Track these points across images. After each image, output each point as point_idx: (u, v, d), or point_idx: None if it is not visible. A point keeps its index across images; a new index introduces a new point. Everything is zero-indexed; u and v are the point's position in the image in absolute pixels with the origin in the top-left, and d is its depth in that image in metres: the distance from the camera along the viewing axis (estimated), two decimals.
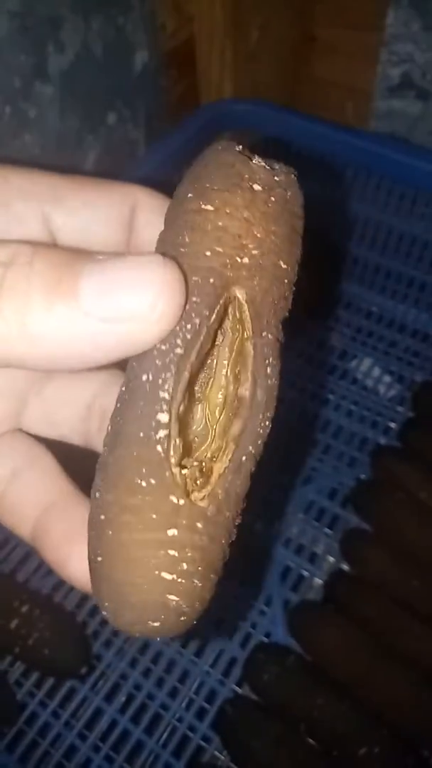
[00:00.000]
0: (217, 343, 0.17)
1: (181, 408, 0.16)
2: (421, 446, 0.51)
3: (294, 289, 0.17)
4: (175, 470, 0.16)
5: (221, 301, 0.16)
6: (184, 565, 0.16)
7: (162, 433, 0.16)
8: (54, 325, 0.13)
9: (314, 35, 0.64)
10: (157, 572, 0.16)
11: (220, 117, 0.58)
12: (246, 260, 0.16)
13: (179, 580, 0.16)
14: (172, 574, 0.16)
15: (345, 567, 0.47)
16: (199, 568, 0.17)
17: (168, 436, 0.16)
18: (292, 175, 0.17)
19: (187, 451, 0.17)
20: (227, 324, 0.17)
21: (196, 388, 0.17)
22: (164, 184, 0.60)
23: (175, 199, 0.17)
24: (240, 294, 0.16)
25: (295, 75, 0.67)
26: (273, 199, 0.16)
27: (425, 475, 0.48)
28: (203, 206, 0.16)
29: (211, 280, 0.15)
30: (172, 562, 0.16)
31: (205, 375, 0.17)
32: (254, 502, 0.45)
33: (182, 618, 0.17)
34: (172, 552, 0.16)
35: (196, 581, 0.17)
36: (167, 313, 0.14)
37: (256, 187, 0.16)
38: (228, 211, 0.16)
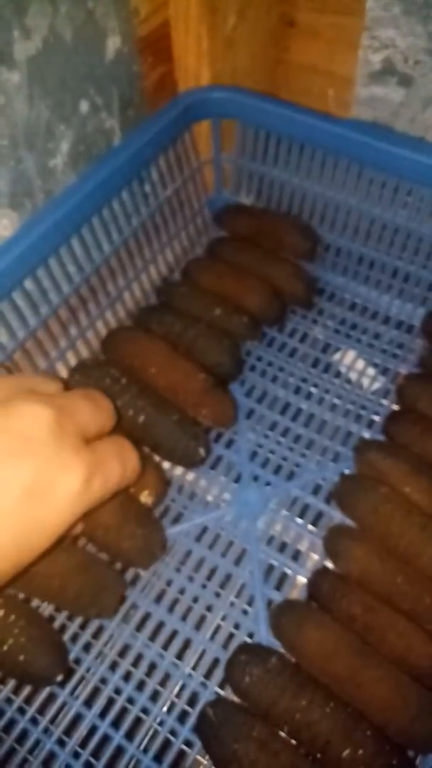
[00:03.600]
0: None
1: None
2: (405, 439, 0.50)
3: None
4: None
5: None
6: None
7: None
8: None
9: (294, 20, 0.63)
10: None
11: (198, 104, 0.57)
12: None
13: None
14: None
15: (329, 564, 0.46)
16: None
17: None
18: None
19: None
20: None
21: None
22: (140, 174, 0.58)
23: None
24: None
25: (274, 61, 0.65)
26: None
27: (409, 469, 0.47)
28: None
29: None
30: None
31: None
32: (237, 500, 0.44)
33: None
34: None
35: None
36: None
37: None
38: None
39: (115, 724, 0.41)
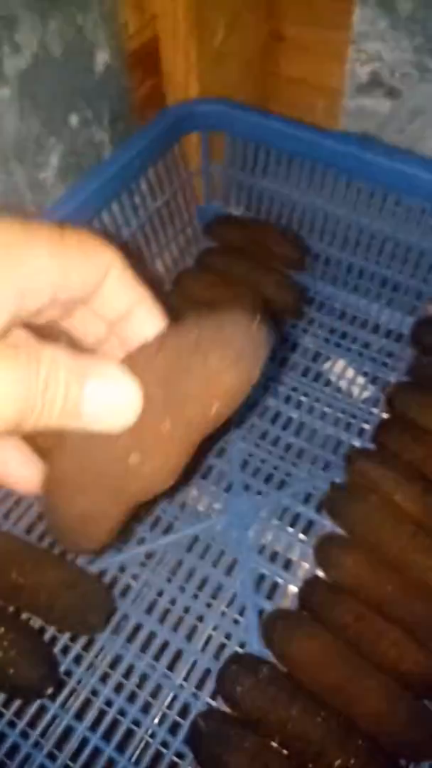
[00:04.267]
0: None
1: None
2: (395, 448, 0.50)
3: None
4: None
5: None
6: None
7: None
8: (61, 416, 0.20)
9: (282, 34, 0.63)
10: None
11: (187, 117, 0.57)
12: None
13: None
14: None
15: (320, 573, 0.46)
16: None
17: None
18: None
19: None
20: None
21: None
22: (129, 186, 0.59)
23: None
24: None
25: (263, 74, 0.66)
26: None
27: (399, 477, 0.47)
28: None
29: None
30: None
31: None
32: (228, 510, 0.44)
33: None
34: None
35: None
36: (129, 420, 0.21)
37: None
38: None
39: (107, 736, 0.41)
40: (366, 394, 0.56)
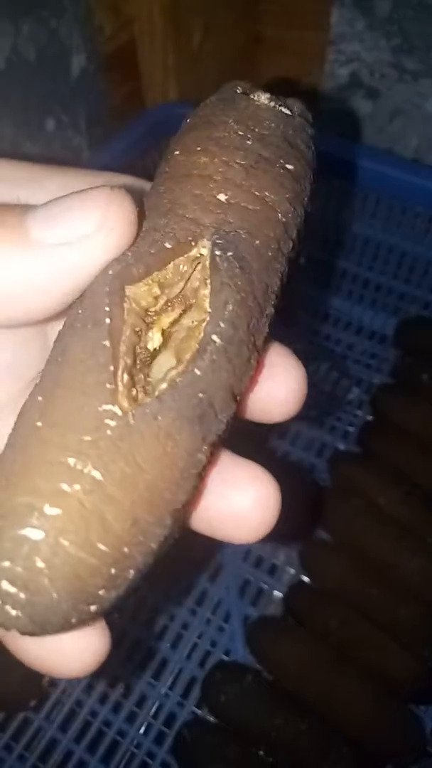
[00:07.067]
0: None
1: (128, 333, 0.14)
2: (380, 450, 0.50)
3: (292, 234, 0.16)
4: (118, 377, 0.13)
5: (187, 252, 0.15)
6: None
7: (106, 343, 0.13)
8: (5, 262, 0.13)
9: (260, 35, 0.63)
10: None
11: (165, 120, 0.57)
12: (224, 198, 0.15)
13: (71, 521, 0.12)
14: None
15: (305, 578, 0.46)
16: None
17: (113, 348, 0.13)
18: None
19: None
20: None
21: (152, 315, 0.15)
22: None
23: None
24: (207, 245, 0.15)
25: (241, 76, 0.66)
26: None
27: (384, 480, 0.47)
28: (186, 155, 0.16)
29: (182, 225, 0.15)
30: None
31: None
32: None
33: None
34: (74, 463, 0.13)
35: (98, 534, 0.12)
36: (117, 230, 0.14)
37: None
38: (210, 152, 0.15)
39: (91, 748, 0.41)
40: (350, 397, 0.56)
